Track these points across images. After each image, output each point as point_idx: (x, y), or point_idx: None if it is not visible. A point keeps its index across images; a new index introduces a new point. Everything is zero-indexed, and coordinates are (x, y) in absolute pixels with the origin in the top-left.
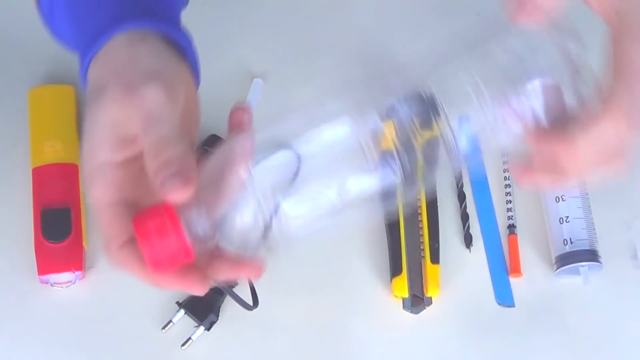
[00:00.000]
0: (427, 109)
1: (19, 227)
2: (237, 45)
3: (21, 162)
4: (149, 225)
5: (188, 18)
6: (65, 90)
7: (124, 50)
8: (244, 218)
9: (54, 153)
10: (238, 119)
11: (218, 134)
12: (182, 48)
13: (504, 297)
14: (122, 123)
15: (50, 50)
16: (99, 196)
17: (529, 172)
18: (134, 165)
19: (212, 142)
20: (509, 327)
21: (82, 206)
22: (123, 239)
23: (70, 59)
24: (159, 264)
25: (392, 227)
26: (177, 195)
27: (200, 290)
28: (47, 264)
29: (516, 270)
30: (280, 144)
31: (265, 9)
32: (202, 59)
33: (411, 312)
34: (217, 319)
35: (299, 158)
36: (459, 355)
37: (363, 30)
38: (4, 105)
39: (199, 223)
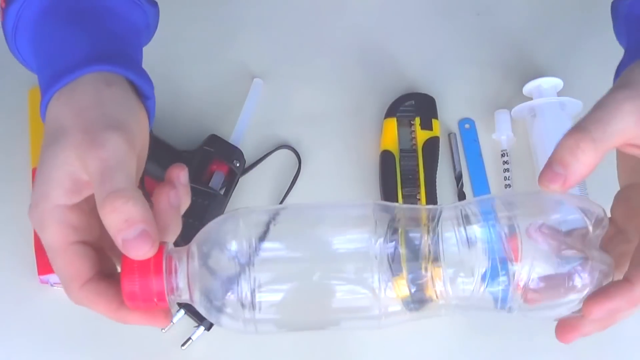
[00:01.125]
0: None
1: (19, 227)
2: (237, 45)
3: (21, 162)
4: (134, 262)
5: (188, 18)
6: None
7: (90, 92)
8: (222, 291)
9: None
10: (173, 175)
11: (218, 134)
12: (144, 94)
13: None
14: (79, 168)
15: None
16: (55, 238)
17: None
18: (87, 206)
19: (212, 142)
20: (509, 327)
21: None
22: (85, 278)
23: None
24: (134, 301)
25: None
26: (142, 255)
27: (163, 324)
28: (47, 264)
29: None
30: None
31: (265, 9)
32: (202, 59)
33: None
34: None
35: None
36: (459, 356)
37: (363, 30)
38: (4, 105)
39: (180, 279)
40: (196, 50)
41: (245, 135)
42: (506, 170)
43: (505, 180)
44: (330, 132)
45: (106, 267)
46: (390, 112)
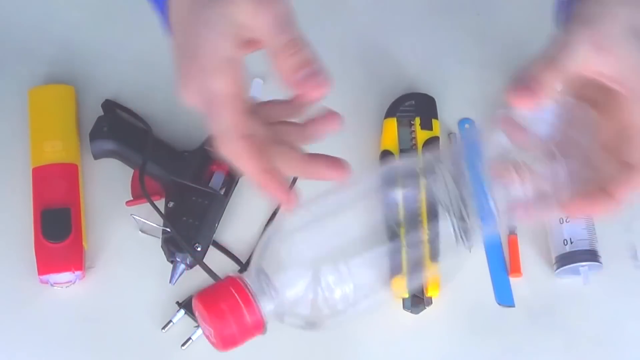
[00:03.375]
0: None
1: (19, 227)
2: None
3: (21, 162)
4: (222, 305)
5: None
6: (65, 90)
7: None
8: (303, 296)
9: (54, 153)
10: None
11: None
12: None
13: (504, 297)
14: (249, 26)
15: (50, 50)
16: (223, 87)
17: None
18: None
19: (212, 142)
20: (509, 327)
21: (82, 206)
22: (244, 131)
23: (70, 59)
24: (232, 343)
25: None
26: (317, 92)
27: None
28: (47, 264)
29: (516, 270)
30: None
31: None
32: None
33: (411, 312)
34: None
35: None
36: (459, 356)
37: (363, 30)
38: (4, 105)
39: (268, 305)
40: None
41: None
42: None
43: None
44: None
45: None
46: (390, 112)
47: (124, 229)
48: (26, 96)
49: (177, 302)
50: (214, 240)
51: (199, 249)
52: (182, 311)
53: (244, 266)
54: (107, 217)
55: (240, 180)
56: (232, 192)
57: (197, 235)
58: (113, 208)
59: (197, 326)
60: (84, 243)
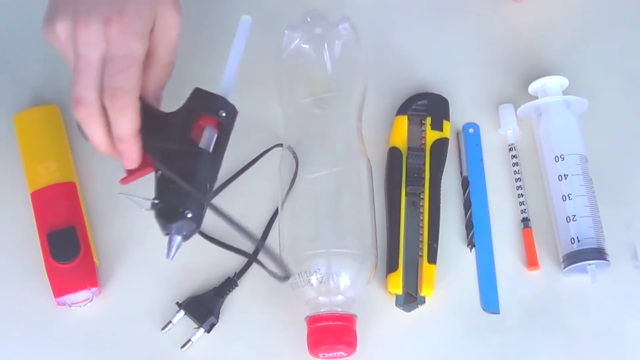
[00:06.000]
0: None
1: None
2: None
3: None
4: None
5: (188, 18)
6: (51, 110)
7: None
8: None
9: (49, 174)
10: None
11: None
12: None
13: (490, 303)
14: None
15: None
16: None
17: None
18: None
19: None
20: (508, 327)
21: (86, 222)
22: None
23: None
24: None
25: (392, 223)
26: None
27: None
28: (61, 286)
29: (533, 263)
30: None
31: (265, 9)
32: (200, 59)
33: (403, 309)
34: (217, 322)
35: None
36: (459, 355)
37: (363, 30)
38: None
39: None
40: (197, 52)
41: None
42: (515, 164)
43: (515, 174)
44: None
45: None
46: (403, 109)
47: (124, 231)
48: (12, 122)
49: (177, 303)
50: (217, 209)
51: (189, 215)
52: (182, 312)
53: (261, 242)
54: (108, 226)
55: (240, 180)
56: (224, 147)
57: (186, 201)
58: (113, 215)
59: (197, 328)
60: (94, 259)
